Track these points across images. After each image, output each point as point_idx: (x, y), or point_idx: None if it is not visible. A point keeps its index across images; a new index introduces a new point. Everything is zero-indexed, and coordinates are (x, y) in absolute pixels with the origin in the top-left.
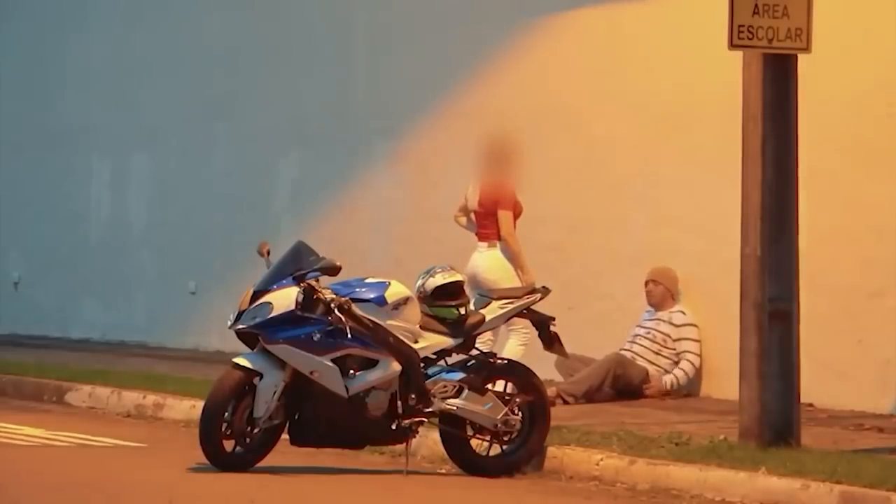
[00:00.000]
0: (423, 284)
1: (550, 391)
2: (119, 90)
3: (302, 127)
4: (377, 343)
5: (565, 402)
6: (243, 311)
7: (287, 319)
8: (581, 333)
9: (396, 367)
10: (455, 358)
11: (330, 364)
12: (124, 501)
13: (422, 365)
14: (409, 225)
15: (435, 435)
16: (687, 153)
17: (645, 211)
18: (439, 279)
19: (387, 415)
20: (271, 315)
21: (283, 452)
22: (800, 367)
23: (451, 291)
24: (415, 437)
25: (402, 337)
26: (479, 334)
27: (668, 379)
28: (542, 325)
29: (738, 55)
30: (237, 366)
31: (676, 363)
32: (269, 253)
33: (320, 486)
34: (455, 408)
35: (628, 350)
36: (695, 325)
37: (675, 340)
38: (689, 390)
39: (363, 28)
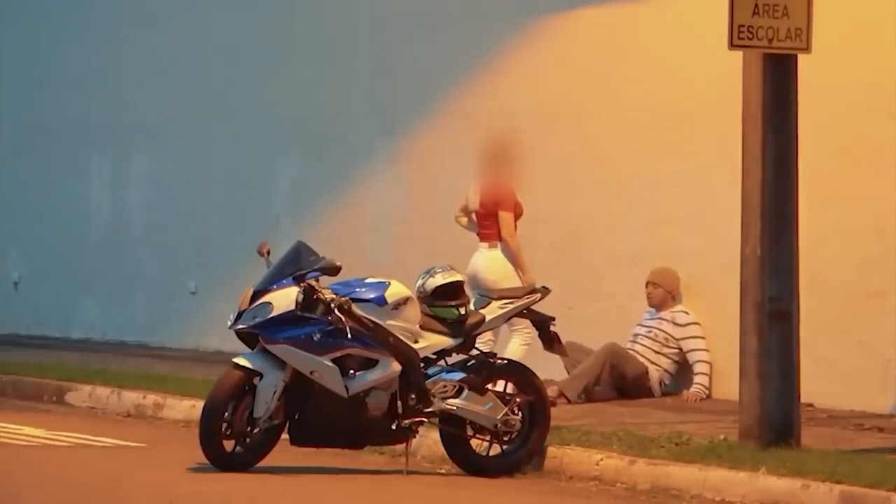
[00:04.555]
0: (423, 284)
1: (552, 390)
2: (119, 90)
3: (302, 127)
4: (377, 343)
5: (569, 401)
6: (243, 311)
7: (287, 319)
8: (581, 333)
9: (396, 367)
10: (455, 358)
11: (330, 364)
12: (124, 501)
13: (422, 365)
14: (409, 225)
15: (435, 435)
16: (687, 153)
17: (645, 211)
18: (439, 279)
19: (387, 415)
20: (271, 315)
21: (283, 452)
22: (800, 367)
23: (451, 291)
24: (415, 437)
25: (402, 337)
26: (479, 334)
27: (696, 389)
28: (542, 325)
29: (738, 55)
30: (237, 366)
31: (677, 363)
32: (269, 253)
33: (320, 486)
34: (455, 408)
35: (629, 350)
36: (698, 324)
37: (678, 340)
38: (676, 387)
39: (363, 28)
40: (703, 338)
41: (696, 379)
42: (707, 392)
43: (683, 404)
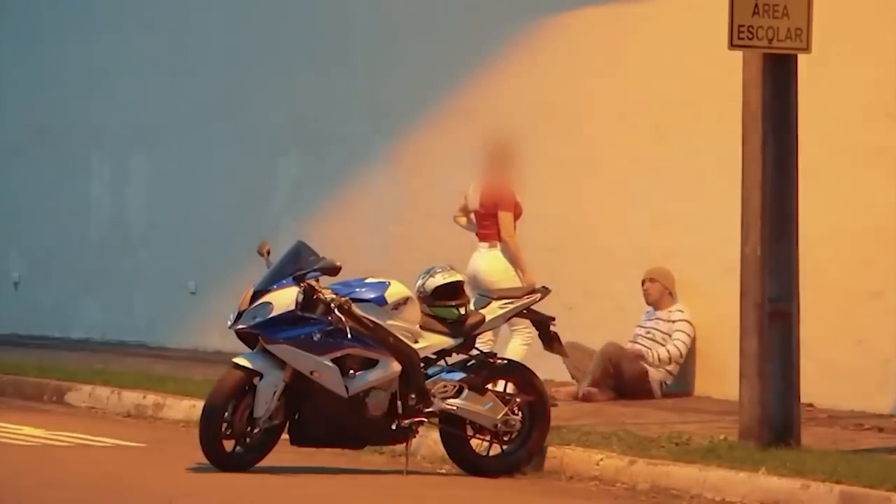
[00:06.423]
0: (423, 284)
1: (572, 390)
2: (119, 90)
3: (302, 127)
4: (377, 343)
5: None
6: (243, 311)
7: (287, 319)
8: (581, 333)
9: (396, 367)
10: (455, 358)
11: (330, 364)
12: (124, 501)
13: (422, 365)
14: (408, 225)
15: (435, 435)
16: (686, 153)
17: (644, 211)
18: (439, 279)
19: (387, 415)
20: (271, 315)
21: (283, 452)
22: (800, 367)
23: (451, 291)
24: (415, 437)
25: (402, 337)
26: (479, 334)
27: (646, 352)
28: (542, 325)
29: (738, 55)
30: (237, 366)
31: (678, 363)
32: (269, 253)
33: (320, 486)
34: (455, 408)
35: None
36: (690, 322)
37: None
38: (676, 388)
39: (363, 28)
40: (689, 336)
41: (661, 352)
42: (658, 362)
43: (670, 401)
